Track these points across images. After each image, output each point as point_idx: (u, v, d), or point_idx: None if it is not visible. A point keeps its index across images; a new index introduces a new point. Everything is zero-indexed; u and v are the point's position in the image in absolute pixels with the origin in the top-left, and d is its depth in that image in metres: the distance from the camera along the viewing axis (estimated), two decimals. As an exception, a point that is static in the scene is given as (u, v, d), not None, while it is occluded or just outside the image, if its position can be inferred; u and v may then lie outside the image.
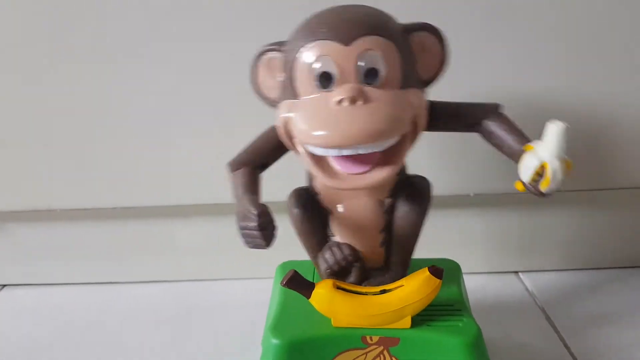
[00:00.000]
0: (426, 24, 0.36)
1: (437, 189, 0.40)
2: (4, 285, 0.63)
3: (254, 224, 0.34)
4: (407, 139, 0.35)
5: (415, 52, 0.36)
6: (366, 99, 0.33)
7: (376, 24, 0.35)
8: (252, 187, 0.38)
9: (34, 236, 0.61)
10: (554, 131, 0.33)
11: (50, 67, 0.53)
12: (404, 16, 0.37)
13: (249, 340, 0.49)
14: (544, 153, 0.33)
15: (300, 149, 0.36)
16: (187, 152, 0.55)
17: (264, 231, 0.34)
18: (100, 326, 0.54)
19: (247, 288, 0.59)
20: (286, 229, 0.59)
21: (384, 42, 0.34)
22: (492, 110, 0.38)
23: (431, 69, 0.37)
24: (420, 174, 0.40)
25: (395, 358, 0.36)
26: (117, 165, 0.56)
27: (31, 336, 0.53)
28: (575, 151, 0.54)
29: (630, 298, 0.54)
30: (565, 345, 0.47)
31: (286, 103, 0.36)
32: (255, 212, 0.34)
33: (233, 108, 0.53)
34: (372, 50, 0.34)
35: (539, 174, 0.34)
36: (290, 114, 0.35)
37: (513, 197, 0.56)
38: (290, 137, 0.36)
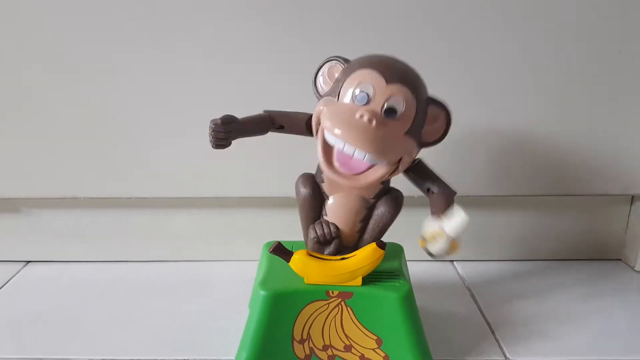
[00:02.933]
0: (444, 105, 0.47)
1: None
2: (28, 262, 0.74)
3: (217, 123, 0.46)
4: (389, 168, 0.45)
5: (428, 118, 0.47)
6: (378, 124, 0.43)
7: (411, 81, 0.45)
8: (250, 120, 0.48)
9: (56, 220, 0.72)
10: (459, 219, 0.45)
11: (86, 75, 0.63)
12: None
13: (236, 308, 0.61)
14: (447, 226, 0.45)
15: (319, 136, 0.46)
16: (189, 153, 0.66)
17: (219, 133, 0.46)
18: (110, 297, 0.64)
19: (233, 268, 0.71)
20: (268, 222, 0.71)
21: (410, 95, 0.44)
22: (445, 191, 0.48)
23: (432, 137, 0.48)
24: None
25: (350, 307, 0.49)
26: (131, 163, 0.67)
27: (50, 305, 0.63)
28: (503, 162, 0.68)
29: (540, 284, 0.68)
30: (482, 314, 0.61)
31: (328, 99, 0.47)
32: (225, 118, 0.46)
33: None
34: (399, 95, 0.44)
35: (434, 237, 0.47)
36: (326, 107, 0.46)
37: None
38: (318, 123, 0.46)
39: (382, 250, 0.48)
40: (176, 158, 0.66)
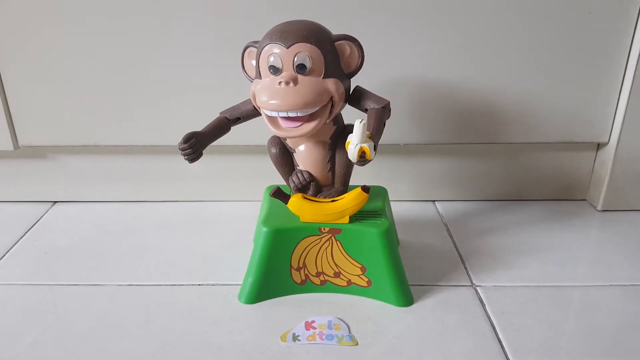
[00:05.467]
0: (348, 35, 0.52)
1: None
2: (55, 202, 0.82)
3: (180, 144, 0.53)
4: (325, 109, 0.52)
5: (340, 54, 0.52)
6: (295, 83, 0.50)
7: (308, 35, 0.50)
8: (211, 128, 0.56)
9: (81, 165, 0.79)
10: (355, 125, 0.49)
11: (107, 34, 0.69)
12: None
13: (240, 241, 0.69)
14: (352, 139, 0.50)
15: (261, 111, 0.54)
16: (198, 105, 0.72)
17: (186, 150, 0.53)
18: (130, 233, 0.73)
19: (237, 207, 0.80)
20: (266, 167, 0.78)
21: (310, 47, 0.50)
22: (378, 103, 0.53)
23: (352, 65, 0.53)
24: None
25: (339, 241, 0.57)
26: (146, 114, 0.73)
27: (77, 239, 0.71)
28: (480, 111, 0.74)
29: (509, 221, 0.76)
30: (455, 247, 0.69)
31: (256, 81, 0.53)
32: (185, 137, 0.53)
33: (231, 78, 0.68)
34: (301, 52, 0.50)
35: (347, 145, 0.50)
36: (255, 88, 0.53)
37: (432, 147, 0.78)
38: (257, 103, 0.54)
39: (366, 194, 0.56)
40: (186, 110, 0.73)
